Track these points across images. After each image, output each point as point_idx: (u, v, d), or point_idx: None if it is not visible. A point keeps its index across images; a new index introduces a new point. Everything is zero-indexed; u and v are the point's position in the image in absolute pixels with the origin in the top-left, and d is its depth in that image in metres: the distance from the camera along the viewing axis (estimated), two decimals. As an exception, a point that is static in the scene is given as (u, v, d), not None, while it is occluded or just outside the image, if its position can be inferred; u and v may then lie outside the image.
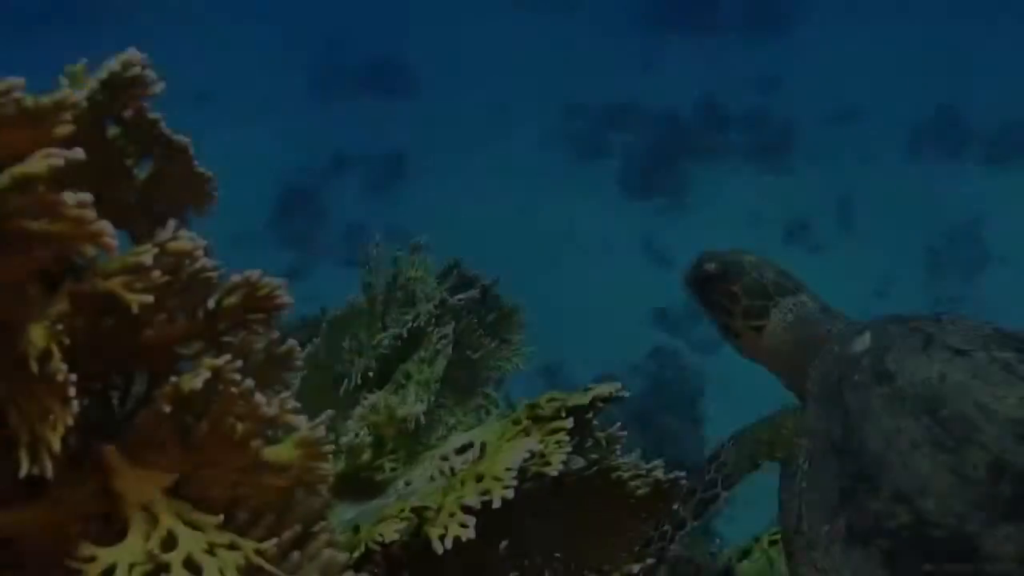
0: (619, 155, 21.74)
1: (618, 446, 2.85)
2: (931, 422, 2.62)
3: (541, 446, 2.33)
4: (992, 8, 28.39)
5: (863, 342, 2.96)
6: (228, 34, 31.45)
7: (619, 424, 2.88)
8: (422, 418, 3.35)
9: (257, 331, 1.81)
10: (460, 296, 4.10)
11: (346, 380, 3.62)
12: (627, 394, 2.64)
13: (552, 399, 2.52)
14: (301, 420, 1.70)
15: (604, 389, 2.59)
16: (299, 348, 1.91)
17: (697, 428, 11.34)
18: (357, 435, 2.48)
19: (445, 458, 2.65)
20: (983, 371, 2.67)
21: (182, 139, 1.88)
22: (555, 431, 2.39)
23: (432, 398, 3.40)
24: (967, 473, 2.51)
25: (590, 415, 2.63)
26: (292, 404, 1.71)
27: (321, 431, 1.73)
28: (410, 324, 3.68)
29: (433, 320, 3.72)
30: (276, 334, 1.86)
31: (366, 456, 2.49)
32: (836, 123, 23.38)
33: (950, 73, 24.92)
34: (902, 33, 27.75)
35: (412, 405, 2.55)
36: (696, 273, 3.45)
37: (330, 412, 1.86)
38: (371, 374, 3.65)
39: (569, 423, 2.45)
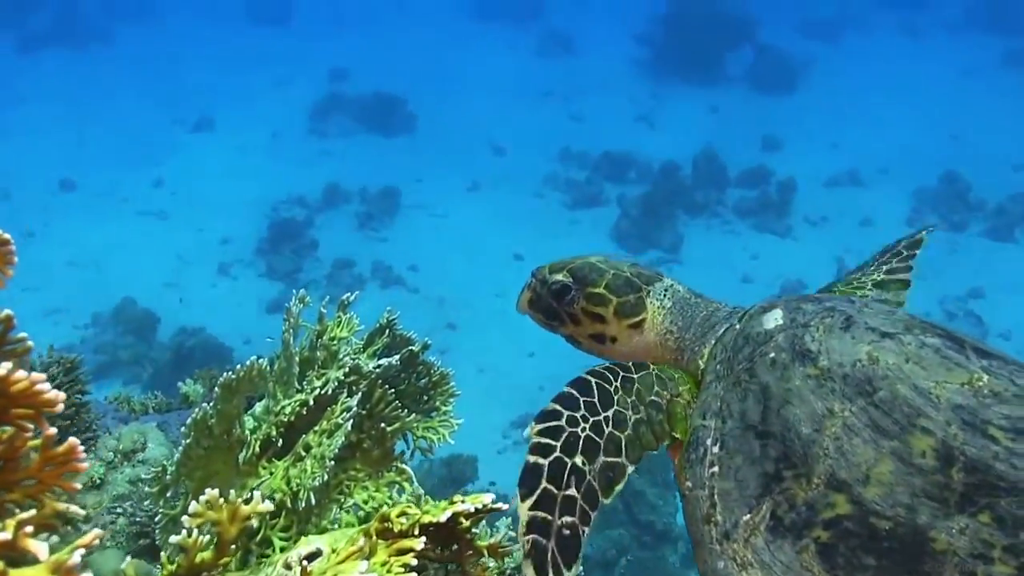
0: (615, 205, 21.55)
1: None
2: (867, 405, 2.50)
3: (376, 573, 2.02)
4: (999, 76, 28.38)
5: (774, 319, 2.86)
6: (233, 62, 31.52)
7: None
8: (312, 497, 3.11)
9: (26, 428, 1.52)
10: (379, 363, 3.88)
11: (245, 448, 3.37)
12: (504, 507, 2.36)
13: (404, 512, 2.25)
14: (43, 548, 1.41)
15: (468, 506, 2.31)
16: (81, 448, 1.61)
17: (670, 491, 10.98)
18: (191, 533, 2.17)
19: (289, 567, 2.36)
20: (916, 355, 2.57)
21: None
22: (402, 551, 2.10)
23: (325, 476, 3.15)
24: (914, 461, 2.39)
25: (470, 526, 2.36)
26: (36, 526, 1.42)
27: (77, 557, 1.44)
28: (317, 391, 3.44)
29: (342, 389, 3.49)
30: (51, 431, 1.57)
31: (203, 557, 2.17)
32: (837, 185, 23.21)
33: (956, 142, 24.81)
34: (910, 98, 27.71)
35: (257, 503, 2.21)
36: (545, 290, 3.29)
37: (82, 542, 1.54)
38: (274, 440, 3.41)
39: (420, 543, 2.15)
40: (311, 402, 3.42)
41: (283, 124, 26.59)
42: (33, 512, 1.48)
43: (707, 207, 21.75)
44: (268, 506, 2.24)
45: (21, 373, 1.57)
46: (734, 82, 29.28)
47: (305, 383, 3.72)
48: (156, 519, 3.19)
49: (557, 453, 2.68)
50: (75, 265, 19.33)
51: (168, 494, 3.17)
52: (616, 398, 2.89)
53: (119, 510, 4.10)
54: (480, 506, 2.28)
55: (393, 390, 3.65)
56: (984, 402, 2.43)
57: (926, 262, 3.63)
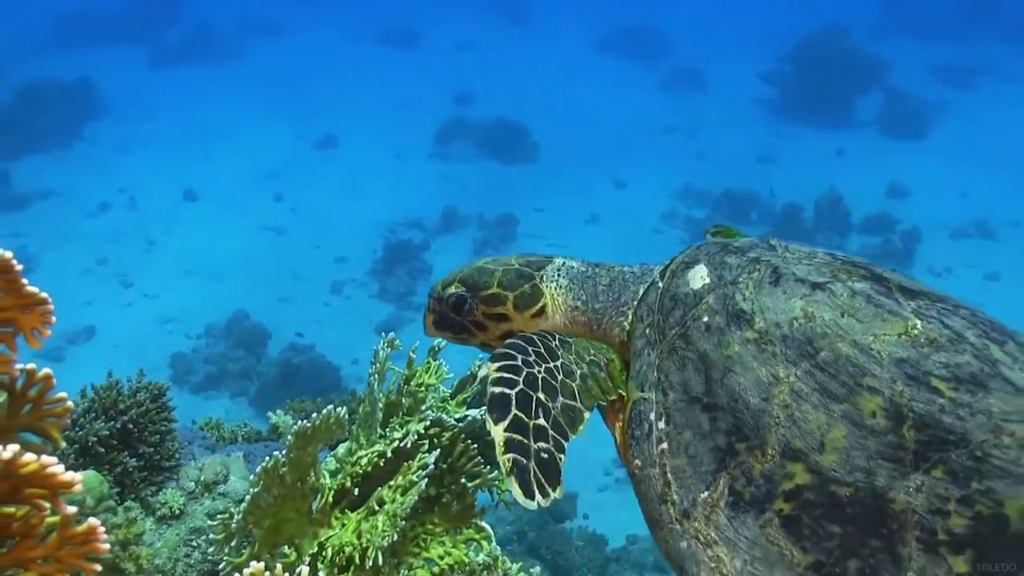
0: (735, 245, 21.20)
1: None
2: (811, 368, 2.50)
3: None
4: None
5: (700, 276, 2.84)
6: (359, 82, 31.92)
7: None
8: (380, 557, 2.97)
9: (41, 507, 1.41)
10: (466, 413, 3.74)
11: (319, 497, 3.24)
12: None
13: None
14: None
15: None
16: (102, 529, 1.48)
17: None
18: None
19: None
20: (850, 307, 2.59)
21: (1, 253, 1.52)
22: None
23: (395, 535, 3.00)
24: (866, 423, 2.41)
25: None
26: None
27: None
28: (396, 444, 3.30)
29: (424, 441, 3.34)
30: (69, 511, 1.46)
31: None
32: (964, 237, 22.49)
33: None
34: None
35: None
36: (443, 306, 3.27)
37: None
38: (349, 489, 3.28)
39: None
40: (389, 453, 3.28)
41: (406, 146, 26.79)
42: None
43: (828, 253, 21.26)
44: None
45: (29, 456, 1.50)
46: (862, 125, 28.64)
47: (388, 431, 3.59)
48: (220, 567, 3.07)
49: (521, 387, 2.70)
50: (193, 275, 19.67)
51: (233, 542, 3.06)
52: (560, 353, 2.90)
53: (194, 543, 4.02)
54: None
55: (476, 445, 3.49)
56: (923, 352, 2.46)
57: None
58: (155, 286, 19.11)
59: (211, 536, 3.10)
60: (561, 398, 2.77)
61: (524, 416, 2.64)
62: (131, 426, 4.34)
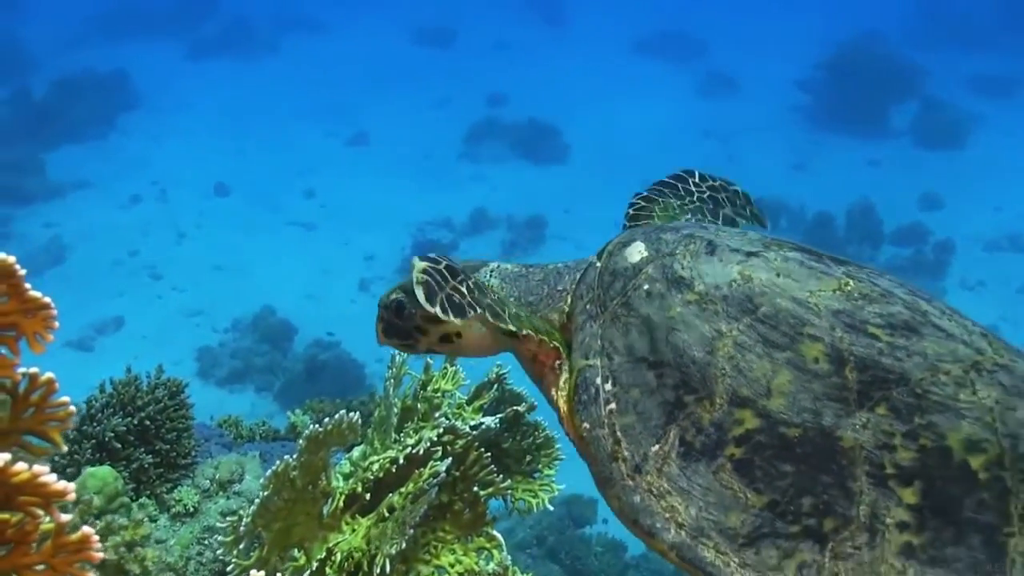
0: (764, 253, 21.09)
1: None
2: (753, 322, 2.60)
3: None
4: None
5: (638, 251, 2.92)
6: (393, 80, 31.96)
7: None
8: (388, 564, 2.96)
9: (35, 514, 1.42)
10: (480, 421, 3.74)
11: (329, 501, 3.24)
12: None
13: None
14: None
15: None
16: (96, 538, 1.49)
17: None
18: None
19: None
20: (784, 269, 2.71)
21: (4, 257, 1.53)
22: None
23: (404, 543, 2.99)
24: (809, 367, 2.51)
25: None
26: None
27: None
28: (408, 450, 3.29)
29: (437, 448, 3.33)
30: (63, 518, 1.46)
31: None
32: (997, 250, 22.26)
33: None
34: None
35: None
36: (388, 313, 3.31)
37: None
38: (360, 495, 3.27)
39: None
40: (401, 460, 3.28)
41: (436, 145, 26.78)
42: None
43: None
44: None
45: (21, 465, 1.52)
46: (897, 135, 28.37)
47: (402, 436, 3.59)
48: (229, 568, 3.07)
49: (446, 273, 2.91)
50: (221, 269, 19.75)
51: (242, 545, 3.06)
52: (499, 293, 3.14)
53: (207, 542, 4.03)
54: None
55: (489, 453, 3.47)
56: (858, 304, 2.61)
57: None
58: (184, 279, 19.20)
59: (220, 538, 3.10)
60: (488, 300, 2.92)
61: (441, 278, 2.85)
62: (148, 422, 4.36)
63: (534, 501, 3.94)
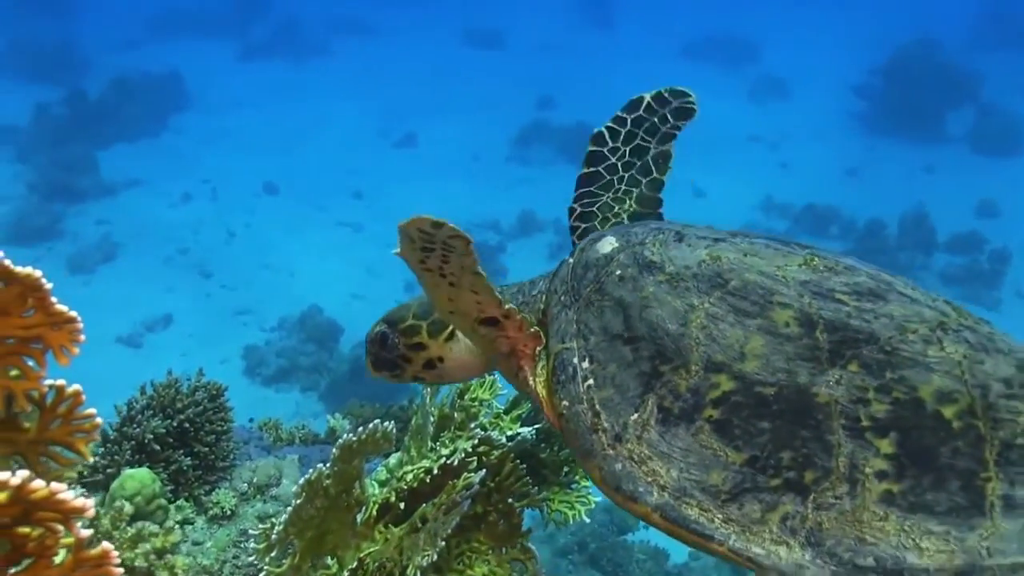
0: (815, 260, 20.89)
1: None
2: (723, 295, 2.68)
3: None
4: None
5: (608, 244, 3.01)
6: (442, 82, 32.03)
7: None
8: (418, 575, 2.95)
9: (54, 529, 1.43)
10: (517, 431, 3.72)
11: (363, 510, 3.24)
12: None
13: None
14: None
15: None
16: (115, 554, 1.49)
17: None
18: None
19: None
20: (750, 249, 2.82)
21: (31, 271, 1.54)
22: None
23: (435, 555, 2.97)
24: (781, 331, 2.59)
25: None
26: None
27: None
28: (443, 460, 3.28)
29: (470, 460, 3.32)
30: (83, 533, 1.47)
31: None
32: (1055, 261, 21.90)
33: None
34: None
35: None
36: (374, 346, 3.42)
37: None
38: (394, 504, 3.27)
39: None
40: (435, 470, 3.27)
41: (485, 147, 26.80)
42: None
43: (910, 271, 20.80)
44: None
45: (38, 483, 1.52)
46: (953, 142, 28.00)
47: (438, 444, 3.58)
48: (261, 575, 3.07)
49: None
50: (269, 268, 19.87)
51: (274, 552, 3.06)
52: None
53: (243, 545, 4.04)
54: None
55: (525, 465, 3.46)
56: (824, 275, 2.70)
57: None
58: (233, 277, 19.34)
59: (253, 545, 3.10)
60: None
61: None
62: (188, 425, 4.38)
63: (570, 513, 3.92)
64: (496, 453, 3.43)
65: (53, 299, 1.76)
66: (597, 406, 2.71)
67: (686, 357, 2.62)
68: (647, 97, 4.06)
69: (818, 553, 2.42)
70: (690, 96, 4.06)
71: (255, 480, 4.42)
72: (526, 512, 3.57)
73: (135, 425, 4.27)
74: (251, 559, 3.62)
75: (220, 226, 21.68)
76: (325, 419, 5.66)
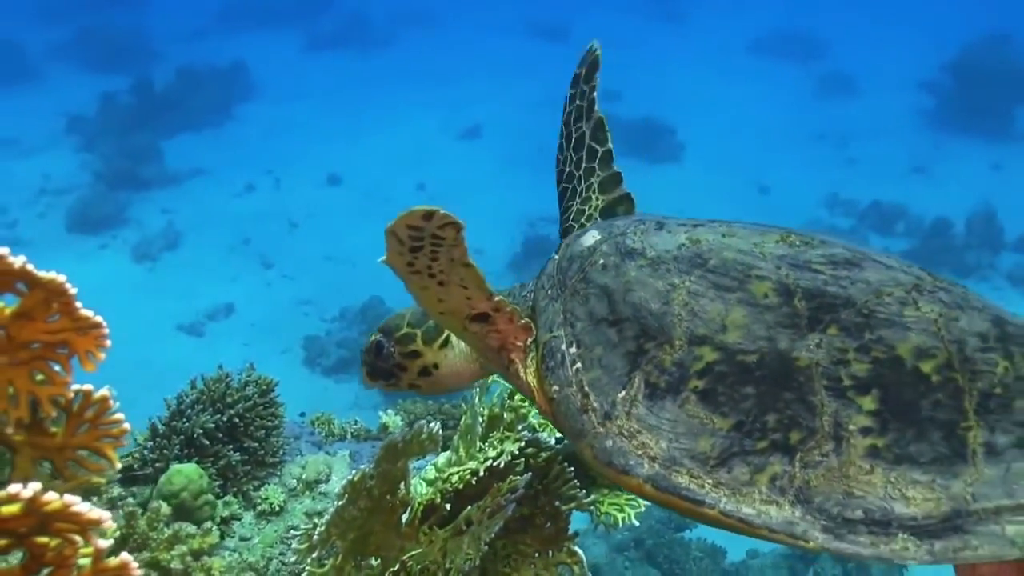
0: (880, 258, 20.60)
1: None
2: (703, 273, 2.74)
3: None
4: None
5: (591, 237, 3.06)
6: (507, 73, 32.01)
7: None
8: (461, 582, 2.90)
9: (72, 540, 1.41)
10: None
11: (408, 511, 3.20)
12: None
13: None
14: None
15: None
16: (135, 565, 1.46)
17: None
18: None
19: None
20: (729, 231, 2.88)
21: (55, 276, 1.52)
22: None
23: (478, 560, 2.93)
24: (760, 302, 2.64)
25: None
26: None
27: None
28: (489, 462, 3.23)
29: (518, 463, 3.27)
30: (101, 545, 1.45)
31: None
32: None
33: None
34: None
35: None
36: (369, 356, 3.42)
37: None
38: (439, 505, 3.22)
39: None
40: (482, 472, 3.22)
41: (550, 139, 26.50)
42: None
43: (977, 270, 20.50)
44: None
45: (51, 496, 1.50)
46: (1022, 139, 27.53)
47: (486, 445, 3.53)
48: (302, 576, 3.04)
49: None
50: (331, 259, 19.96)
51: (315, 554, 3.02)
52: None
53: (290, 542, 4.02)
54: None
55: (572, 468, 3.40)
56: (800, 249, 2.76)
57: None
58: (294, 268, 19.46)
59: (295, 545, 3.07)
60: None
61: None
62: (238, 420, 4.38)
63: (620, 516, 3.87)
64: (544, 455, 3.38)
65: (78, 304, 1.74)
66: (586, 387, 2.75)
67: (669, 333, 2.68)
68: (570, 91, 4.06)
69: (808, 510, 2.46)
70: (592, 47, 3.98)
71: (304, 476, 4.41)
72: (577, 515, 3.52)
73: (184, 419, 4.27)
74: (292, 561, 3.61)
75: (282, 216, 21.83)
76: (379, 414, 5.64)
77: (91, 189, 22.25)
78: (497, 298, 2.90)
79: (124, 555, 1.56)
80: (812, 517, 2.44)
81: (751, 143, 26.79)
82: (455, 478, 3.24)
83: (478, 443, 3.60)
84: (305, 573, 3.04)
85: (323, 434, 5.17)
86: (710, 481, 2.53)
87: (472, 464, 3.29)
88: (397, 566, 3.07)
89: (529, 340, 3.00)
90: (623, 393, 2.68)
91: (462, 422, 3.67)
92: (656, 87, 30.19)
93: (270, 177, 23.84)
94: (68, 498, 1.46)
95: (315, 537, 3.01)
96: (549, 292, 3.04)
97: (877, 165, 25.46)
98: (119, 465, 1.84)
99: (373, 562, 3.14)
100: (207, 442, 4.25)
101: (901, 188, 23.51)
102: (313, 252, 20.08)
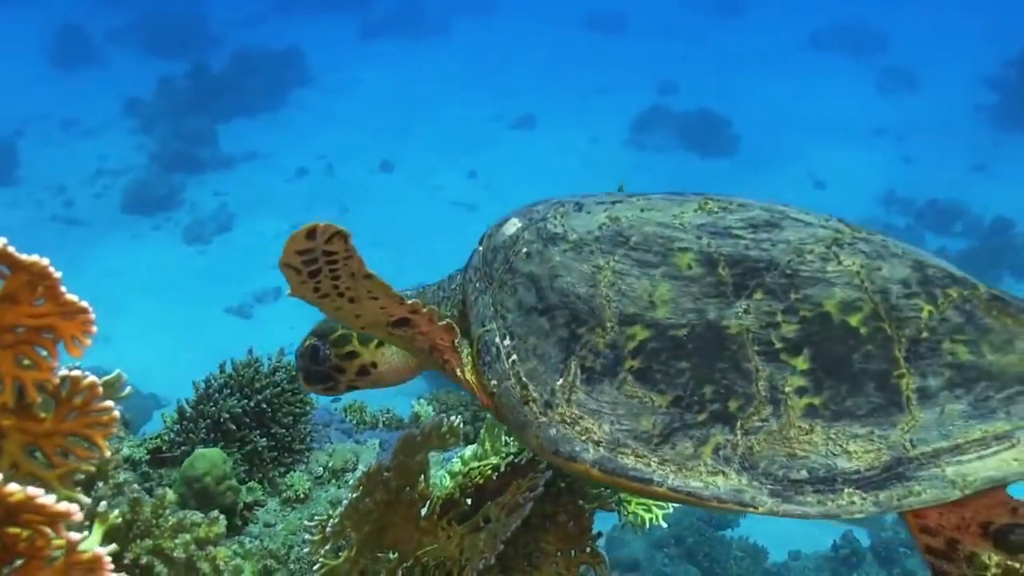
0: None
1: None
2: (626, 252, 2.75)
3: None
4: None
5: (512, 226, 3.04)
6: (562, 64, 31.93)
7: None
8: (475, 578, 2.85)
9: (42, 532, 1.39)
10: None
11: (428, 504, 3.15)
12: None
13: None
14: None
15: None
16: (108, 559, 1.43)
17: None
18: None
19: None
20: (647, 205, 2.88)
21: (37, 260, 1.48)
22: None
23: (493, 559, 2.88)
24: (684, 275, 2.67)
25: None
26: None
27: None
28: (510, 458, 3.18)
29: (540, 460, 3.21)
30: (73, 537, 1.42)
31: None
32: None
33: None
34: None
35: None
36: (304, 361, 3.35)
37: None
38: (459, 500, 3.18)
39: None
40: (503, 467, 3.17)
41: (603, 130, 26.61)
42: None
43: (1038, 269, 20.16)
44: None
45: (12, 487, 1.48)
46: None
47: (511, 440, 3.49)
48: (315, 567, 3.00)
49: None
50: (379, 245, 19.95)
51: (329, 545, 2.99)
52: None
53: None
54: None
55: (597, 465, 3.33)
56: (719, 216, 2.78)
57: None
58: (344, 253, 19.51)
59: (308, 536, 3.04)
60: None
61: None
62: (265, 405, 4.35)
63: (647, 516, 3.81)
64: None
65: (63, 288, 1.71)
66: (524, 378, 2.75)
67: (600, 316, 2.69)
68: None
69: (754, 476, 2.50)
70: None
71: (331, 464, 4.38)
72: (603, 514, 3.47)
73: (212, 403, 4.25)
74: (304, 551, 3.58)
75: (333, 201, 21.92)
76: (411, 403, 5.61)
77: (146, 171, 22.53)
78: (411, 301, 2.84)
79: (98, 549, 1.53)
80: (759, 483, 2.49)
81: (807, 137, 26.48)
82: (475, 474, 3.19)
83: (503, 437, 3.56)
84: (319, 563, 3.01)
85: (354, 422, 5.15)
86: (655, 459, 2.55)
87: (494, 459, 3.25)
88: (412, 560, 3.03)
89: (456, 340, 2.96)
90: (561, 380, 2.68)
91: (489, 415, 3.62)
92: (712, 79, 29.96)
93: (322, 162, 23.97)
94: (31, 490, 1.44)
95: (328, 528, 2.98)
96: (477, 285, 3.03)
97: (936, 162, 25.09)
98: (109, 453, 1.81)
99: (391, 556, 3.10)
100: (234, 427, 4.23)
101: (960, 186, 23.15)
102: (363, 238, 19.78)
